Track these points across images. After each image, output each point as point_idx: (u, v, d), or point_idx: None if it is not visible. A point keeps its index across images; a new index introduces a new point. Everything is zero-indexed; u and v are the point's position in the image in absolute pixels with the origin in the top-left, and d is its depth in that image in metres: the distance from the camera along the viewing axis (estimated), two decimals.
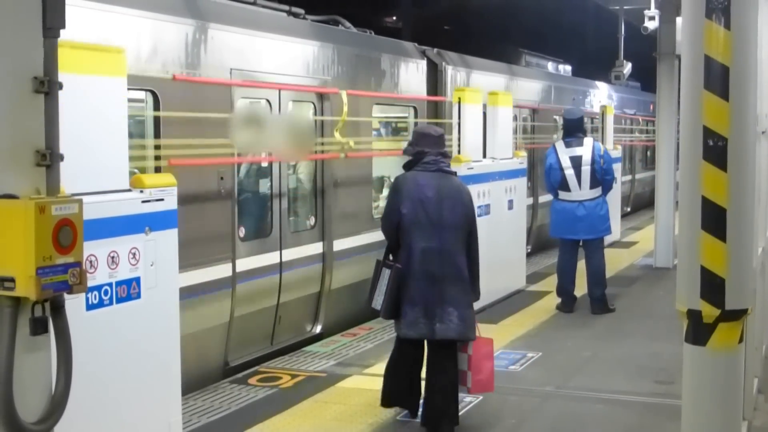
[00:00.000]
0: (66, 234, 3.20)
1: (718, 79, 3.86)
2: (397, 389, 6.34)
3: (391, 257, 6.22)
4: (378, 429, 6.25)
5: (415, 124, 10.89)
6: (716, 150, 3.87)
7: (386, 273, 6.11)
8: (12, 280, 3.15)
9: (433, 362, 6.12)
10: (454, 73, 11.59)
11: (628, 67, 16.13)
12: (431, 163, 6.24)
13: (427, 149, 6.27)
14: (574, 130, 10.39)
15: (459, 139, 9.90)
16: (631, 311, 10.28)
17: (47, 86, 3.30)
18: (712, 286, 3.87)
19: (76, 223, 3.24)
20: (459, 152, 9.83)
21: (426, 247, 6.04)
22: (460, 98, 9.93)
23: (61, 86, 3.39)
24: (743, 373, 4.57)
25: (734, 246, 3.85)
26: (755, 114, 4.19)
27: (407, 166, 6.37)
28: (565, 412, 6.68)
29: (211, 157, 7.31)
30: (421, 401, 6.22)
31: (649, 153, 23.83)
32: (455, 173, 6.50)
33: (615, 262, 11.95)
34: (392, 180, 6.83)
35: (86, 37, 5.06)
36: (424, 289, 5.99)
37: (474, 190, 9.83)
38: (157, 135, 6.82)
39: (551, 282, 11.24)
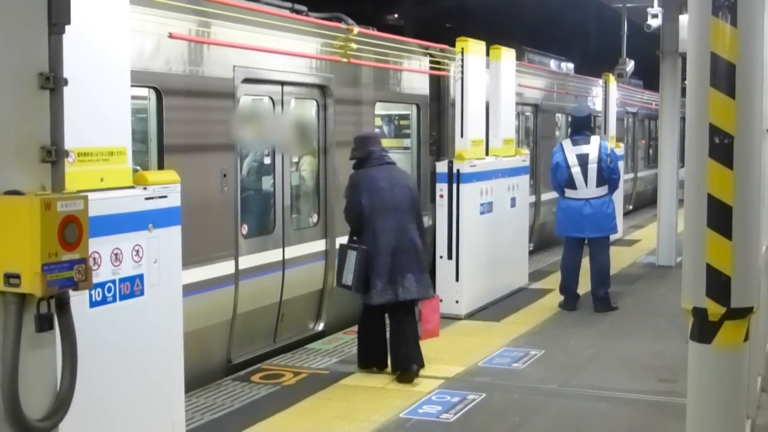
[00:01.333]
0: (71, 230, 3.20)
1: (725, 77, 3.85)
2: (370, 350, 7.56)
3: (354, 240, 7.38)
4: (381, 426, 6.25)
5: (418, 121, 10.91)
6: (722, 148, 3.85)
7: (352, 254, 7.26)
8: (17, 276, 3.15)
9: (397, 320, 7.42)
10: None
11: (630, 65, 16.08)
12: (379, 158, 7.55)
13: (373, 148, 7.58)
14: (581, 128, 10.39)
15: (462, 116, 9.89)
16: (634, 309, 10.27)
17: (53, 82, 3.29)
18: (718, 284, 3.86)
19: (81, 220, 3.23)
20: (462, 132, 9.81)
21: (386, 228, 7.30)
22: (463, 48, 9.92)
23: (66, 82, 3.39)
24: (748, 371, 4.56)
25: (740, 244, 3.84)
26: (761, 112, 4.17)
27: (357, 166, 7.58)
28: (568, 410, 6.68)
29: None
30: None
31: (651, 151, 23.84)
32: (395, 163, 7.81)
33: (617, 260, 11.95)
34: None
35: None
36: (389, 263, 7.23)
37: (477, 187, 9.89)
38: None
39: (554, 280, 11.24)
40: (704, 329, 3.95)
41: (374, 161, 7.51)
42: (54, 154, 3.28)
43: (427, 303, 8.06)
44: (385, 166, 7.54)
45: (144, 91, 6.74)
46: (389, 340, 7.49)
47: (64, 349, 3.42)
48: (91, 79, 4.71)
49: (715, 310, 3.88)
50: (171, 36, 6.71)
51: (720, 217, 3.86)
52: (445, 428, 6.24)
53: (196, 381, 6.87)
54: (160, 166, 6.73)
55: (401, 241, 7.30)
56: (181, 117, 7.01)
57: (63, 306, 3.33)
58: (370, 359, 7.57)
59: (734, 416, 4.03)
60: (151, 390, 5.27)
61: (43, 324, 3.25)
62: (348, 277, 7.29)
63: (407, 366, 7.28)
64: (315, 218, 9.04)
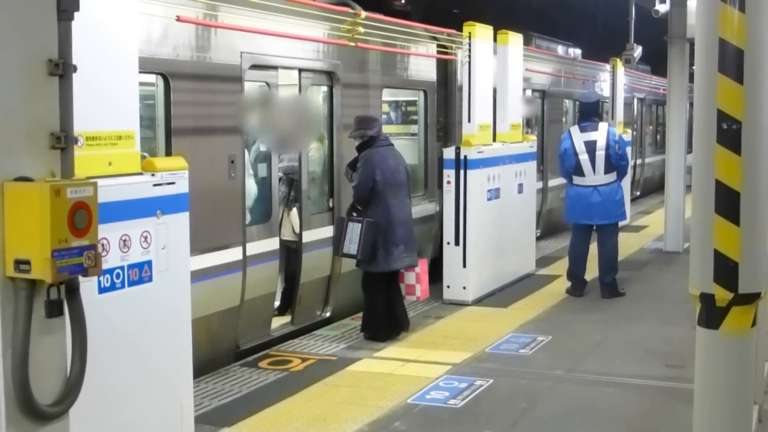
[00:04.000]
0: (81, 216, 3.21)
1: (733, 63, 3.84)
2: (389, 315, 8.24)
3: (354, 214, 8.04)
4: (389, 412, 6.27)
5: (425, 107, 10.89)
6: (730, 133, 3.86)
7: (356, 226, 7.91)
8: (28, 262, 3.17)
9: (395, 285, 8.32)
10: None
11: (638, 51, 16.04)
12: (384, 139, 8.26)
13: (377, 129, 8.23)
14: (589, 114, 10.37)
15: (469, 101, 9.89)
16: (642, 295, 10.27)
17: (62, 69, 3.31)
18: (726, 270, 3.87)
19: (91, 206, 3.25)
20: (469, 117, 9.82)
21: (396, 201, 8.10)
22: (470, 33, 9.91)
23: (75, 69, 3.40)
24: (755, 357, 4.56)
25: (748, 229, 3.84)
26: None
27: (361, 147, 8.15)
28: (575, 396, 6.69)
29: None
30: None
31: (659, 137, 23.80)
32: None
33: (625, 246, 11.94)
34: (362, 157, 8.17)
35: None
36: (402, 232, 8.08)
37: (484, 173, 9.88)
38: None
39: (561, 266, 11.25)
40: (712, 315, 3.96)
41: (382, 142, 8.19)
42: (63, 141, 3.30)
43: (421, 266, 8.61)
44: (389, 146, 8.29)
45: (152, 78, 6.75)
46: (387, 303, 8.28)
47: (73, 334, 3.44)
48: (100, 64, 4.72)
49: (722, 295, 3.89)
50: (179, 19, 6.70)
51: (728, 203, 3.87)
52: (453, 414, 6.26)
53: (204, 367, 6.89)
54: (168, 153, 6.74)
55: (405, 214, 8.22)
56: (188, 103, 7.02)
57: (73, 292, 3.35)
58: (391, 324, 8.23)
59: (741, 402, 4.04)
60: (160, 376, 5.29)
61: (53, 310, 3.28)
62: (350, 248, 7.94)
63: (406, 322, 8.40)
64: (330, 203, 9.08)
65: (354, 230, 7.92)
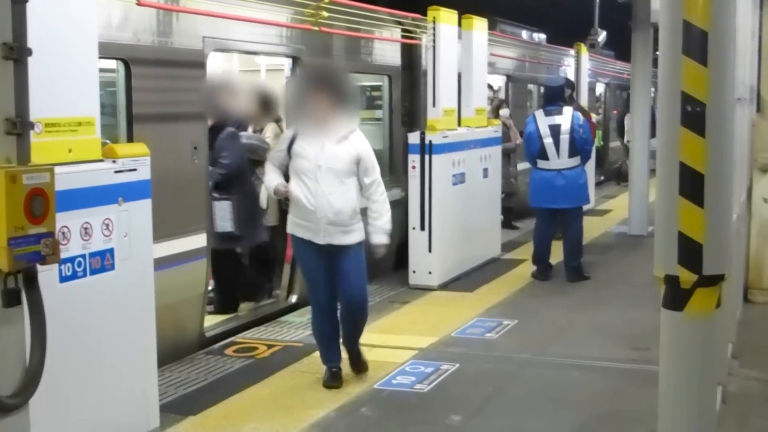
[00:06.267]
0: (38, 203, 3.16)
1: (697, 45, 3.83)
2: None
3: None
4: (355, 397, 6.25)
5: (390, 92, 10.84)
6: (694, 116, 3.85)
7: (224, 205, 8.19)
8: None
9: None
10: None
11: (602, 35, 16.09)
12: None
13: None
14: (554, 98, 10.38)
15: (434, 86, 9.87)
16: (607, 279, 10.32)
17: (16, 52, 3.24)
18: (690, 252, 3.86)
19: (48, 193, 3.19)
20: (434, 102, 9.79)
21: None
22: (434, 18, 9.88)
23: (30, 52, 3.33)
24: (720, 338, 4.59)
25: (712, 211, 3.84)
26: (733, 79, 4.17)
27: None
28: (541, 379, 6.71)
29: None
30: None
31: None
32: None
33: (589, 230, 11.97)
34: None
35: None
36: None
37: (449, 158, 9.87)
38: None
39: (526, 250, 11.27)
40: (676, 297, 3.96)
41: None
42: (19, 126, 3.23)
43: None
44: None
45: (112, 64, 6.66)
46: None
47: (32, 324, 3.39)
48: (58, 49, 4.64)
49: (687, 277, 3.89)
50: (139, 3, 6.61)
51: (692, 185, 3.86)
52: (420, 398, 6.25)
53: (169, 355, 6.83)
54: (130, 140, 6.65)
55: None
56: (150, 89, 6.93)
57: (31, 281, 3.29)
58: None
59: (706, 383, 4.05)
60: (124, 365, 5.25)
61: (11, 299, 3.22)
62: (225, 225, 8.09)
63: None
64: None
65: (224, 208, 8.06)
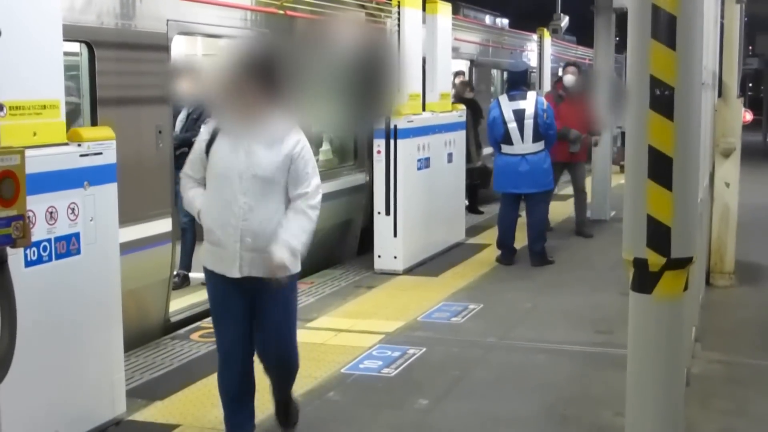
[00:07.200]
0: (8, 186, 3.12)
1: (665, 29, 3.86)
2: None
3: None
4: (322, 382, 6.26)
5: None
6: (663, 99, 3.87)
7: None
8: None
9: None
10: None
11: (565, 21, 16.16)
12: None
13: None
14: (517, 83, 10.42)
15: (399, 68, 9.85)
16: (570, 263, 10.39)
17: None
18: (658, 235, 3.90)
19: (18, 175, 3.15)
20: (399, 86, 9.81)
21: None
22: (399, 2, 9.88)
23: None
24: (686, 321, 4.63)
25: (680, 194, 3.87)
26: (701, 64, 4.20)
27: None
28: (507, 363, 6.75)
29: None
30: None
31: None
32: None
33: (553, 214, 12.04)
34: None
35: None
36: None
37: (414, 143, 9.87)
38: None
39: (490, 235, 11.32)
40: (645, 280, 3.99)
41: None
42: None
43: None
44: None
45: (75, 47, 6.58)
46: None
47: (2, 308, 3.35)
48: (22, 31, 4.59)
49: (655, 260, 3.92)
50: None
51: (660, 169, 3.89)
52: (386, 383, 6.26)
53: (134, 340, 6.79)
54: (94, 124, 6.58)
55: None
56: (114, 73, 6.85)
57: (1, 264, 3.25)
58: None
59: (674, 365, 4.09)
60: (90, 350, 5.21)
61: None
62: None
63: None
64: None
65: None
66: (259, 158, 4.78)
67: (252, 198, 4.75)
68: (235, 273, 4.81)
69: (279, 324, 5.01)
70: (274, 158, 4.80)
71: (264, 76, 4.78)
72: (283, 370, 5.23)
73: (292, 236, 4.79)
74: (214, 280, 4.96)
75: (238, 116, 4.82)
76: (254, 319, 4.99)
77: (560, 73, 12.99)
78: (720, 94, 9.58)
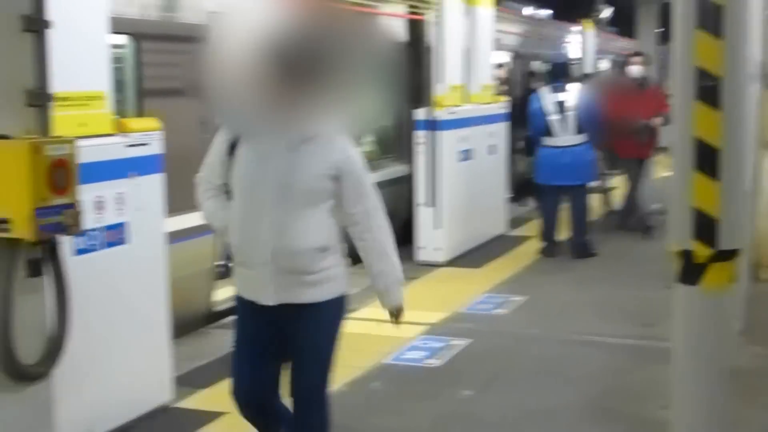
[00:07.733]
0: (60, 174, 3.17)
1: (711, 18, 3.83)
2: None
3: None
4: (366, 372, 6.30)
5: None
6: (709, 90, 3.85)
7: None
8: (5, 221, 3.11)
9: None
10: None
11: (608, 12, 16.05)
12: None
13: None
14: (559, 75, 10.37)
15: (440, 60, 9.86)
16: (613, 255, 10.31)
17: (36, 24, 3.24)
18: (705, 226, 3.87)
19: (70, 164, 3.21)
20: (440, 77, 9.77)
21: None
22: None
23: (49, 25, 3.34)
24: (732, 314, 4.60)
25: (728, 185, 3.84)
26: (748, 53, 4.16)
27: None
28: (550, 355, 6.74)
29: None
30: None
31: None
32: None
33: (595, 206, 11.97)
34: None
35: None
36: None
37: (455, 134, 9.86)
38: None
39: (532, 227, 11.28)
40: (691, 272, 3.96)
41: None
42: (39, 98, 3.24)
43: None
44: None
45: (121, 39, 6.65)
46: None
47: (57, 293, 3.41)
48: (71, 23, 4.64)
49: (702, 252, 3.90)
50: None
51: (707, 160, 3.86)
52: (430, 373, 6.28)
53: (179, 329, 6.85)
54: (140, 116, 6.65)
55: None
56: (159, 64, 6.91)
57: (54, 250, 3.31)
58: None
59: (719, 359, 4.06)
60: (138, 338, 5.28)
61: (35, 269, 3.24)
62: None
63: None
64: None
65: None
66: (297, 165, 3.93)
67: (281, 213, 3.92)
68: (268, 300, 4.00)
69: (312, 353, 4.20)
70: (316, 165, 3.96)
71: (304, 65, 3.92)
72: (308, 419, 4.21)
73: (393, 267, 4.21)
74: (242, 309, 4.17)
75: (271, 114, 3.95)
76: (285, 355, 4.18)
77: (616, 65, 12.90)
78: (767, 86, 9.45)
